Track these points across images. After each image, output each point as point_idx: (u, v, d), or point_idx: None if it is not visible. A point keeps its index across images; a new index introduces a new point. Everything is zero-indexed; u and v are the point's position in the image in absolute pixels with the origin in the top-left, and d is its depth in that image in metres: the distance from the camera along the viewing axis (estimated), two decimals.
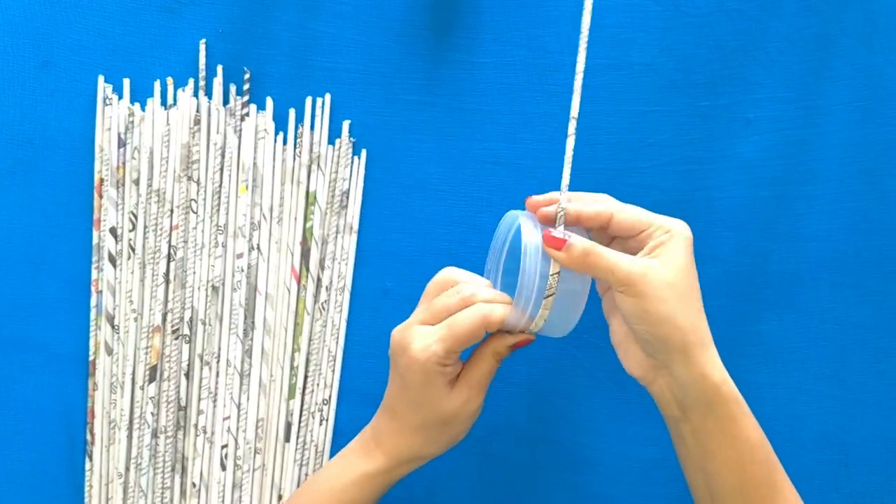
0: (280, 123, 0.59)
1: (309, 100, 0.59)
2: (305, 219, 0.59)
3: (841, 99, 0.58)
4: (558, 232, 0.47)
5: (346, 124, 0.59)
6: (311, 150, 0.59)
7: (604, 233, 0.50)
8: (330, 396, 0.59)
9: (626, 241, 0.49)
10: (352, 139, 0.59)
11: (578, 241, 0.46)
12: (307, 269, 0.59)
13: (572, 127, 0.47)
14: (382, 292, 0.59)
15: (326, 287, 0.59)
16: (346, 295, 0.59)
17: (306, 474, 0.59)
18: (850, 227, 0.58)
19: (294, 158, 0.59)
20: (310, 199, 0.59)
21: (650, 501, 0.59)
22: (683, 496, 0.58)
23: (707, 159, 0.58)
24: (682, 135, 0.58)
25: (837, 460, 0.58)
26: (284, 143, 0.59)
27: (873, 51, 0.57)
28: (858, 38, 0.57)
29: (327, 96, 0.59)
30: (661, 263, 0.46)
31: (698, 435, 0.47)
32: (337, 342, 0.59)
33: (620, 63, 0.58)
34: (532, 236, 0.48)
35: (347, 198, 0.59)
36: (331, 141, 0.59)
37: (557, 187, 0.58)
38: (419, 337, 0.48)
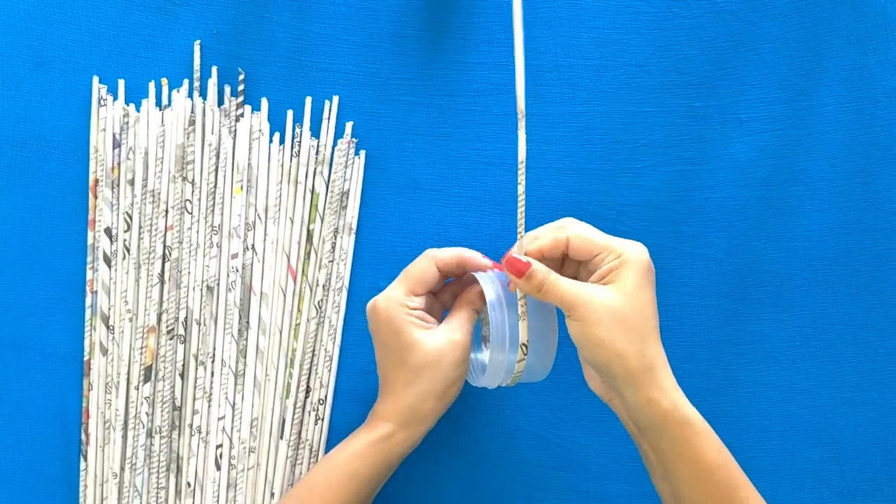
0: (274, 124, 0.59)
1: (309, 100, 0.59)
2: (310, 219, 0.59)
3: (832, 100, 0.58)
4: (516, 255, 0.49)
5: (349, 125, 0.59)
6: (316, 151, 0.59)
7: (568, 259, 0.52)
8: (326, 396, 0.59)
9: (587, 264, 0.50)
10: (353, 139, 0.59)
11: (539, 269, 0.48)
12: (306, 270, 0.59)
13: (521, 173, 0.49)
14: (376, 293, 0.59)
15: (324, 287, 0.59)
16: (344, 295, 0.59)
17: (301, 473, 0.59)
18: (841, 227, 0.58)
19: (291, 158, 0.59)
20: (315, 199, 0.59)
21: (641, 500, 0.59)
22: None
23: (699, 160, 0.58)
24: (675, 135, 0.58)
25: (829, 458, 0.58)
26: (281, 143, 0.59)
27: (864, 52, 0.58)
28: (849, 39, 0.58)
29: (335, 98, 0.59)
30: (609, 289, 0.47)
31: (657, 453, 0.48)
32: (334, 342, 0.59)
33: (613, 64, 0.58)
34: (498, 308, 0.50)
35: (347, 198, 0.59)
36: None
37: (549, 188, 0.58)
38: (382, 295, 0.52)
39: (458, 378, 0.52)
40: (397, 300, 0.51)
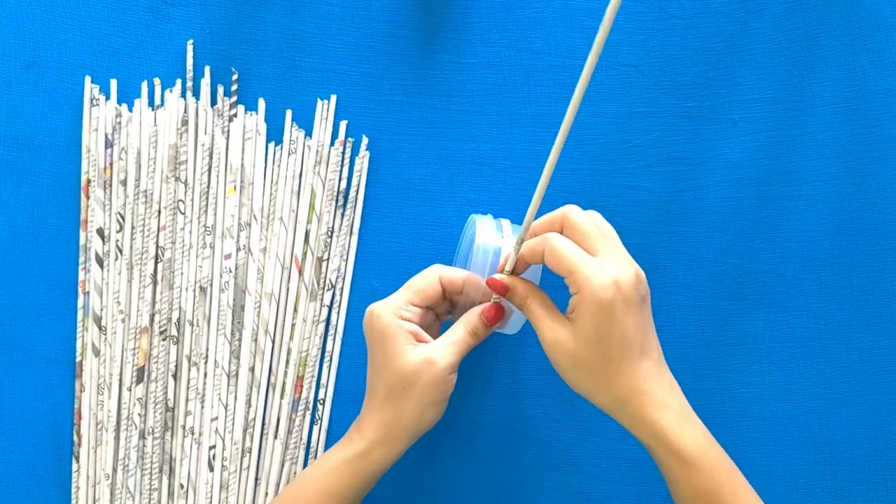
0: (268, 123, 0.59)
1: (321, 103, 0.59)
2: (308, 219, 0.58)
3: (826, 100, 0.58)
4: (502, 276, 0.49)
5: (343, 124, 0.59)
6: (316, 151, 0.58)
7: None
8: (325, 397, 0.59)
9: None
10: (350, 139, 0.59)
11: (518, 290, 0.49)
12: (302, 269, 0.59)
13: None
14: (370, 292, 0.59)
15: (324, 286, 0.59)
16: (346, 295, 0.59)
17: (296, 473, 0.59)
18: (834, 227, 0.58)
19: (288, 156, 0.58)
20: (313, 198, 0.58)
21: (637, 500, 0.59)
22: (668, 495, 0.58)
23: (693, 160, 0.58)
24: (669, 136, 0.58)
25: (822, 459, 0.58)
26: (277, 144, 0.59)
27: (857, 52, 0.58)
28: (842, 39, 0.58)
29: (332, 98, 0.58)
30: (569, 331, 0.46)
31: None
32: (334, 342, 0.59)
33: (607, 64, 0.58)
34: (485, 225, 0.52)
35: (346, 198, 0.59)
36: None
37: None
38: (382, 300, 0.51)
39: (435, 401, 0.50)
40: (393, 306, 0.50)
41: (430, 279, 0.51)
